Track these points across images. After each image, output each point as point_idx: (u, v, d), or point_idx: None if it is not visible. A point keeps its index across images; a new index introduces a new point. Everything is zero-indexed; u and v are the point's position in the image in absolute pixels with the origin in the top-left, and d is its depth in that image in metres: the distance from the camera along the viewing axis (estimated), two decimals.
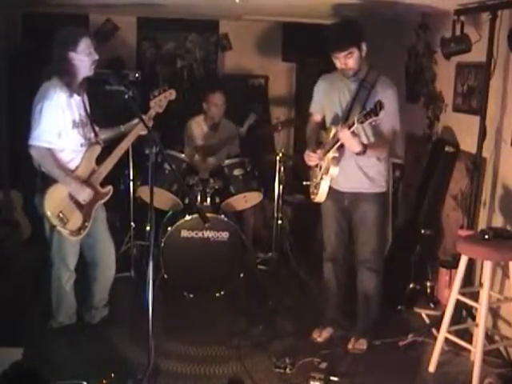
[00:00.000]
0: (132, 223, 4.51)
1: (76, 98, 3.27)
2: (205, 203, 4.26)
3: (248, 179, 4.36)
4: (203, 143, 4.78)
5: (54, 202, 3.18)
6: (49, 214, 3.16)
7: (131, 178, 4.40)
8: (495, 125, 3.54)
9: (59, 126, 3.16)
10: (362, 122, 2.96)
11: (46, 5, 4.71)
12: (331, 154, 3.28)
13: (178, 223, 4.10)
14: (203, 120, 4.78)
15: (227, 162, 4.40)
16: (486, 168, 3.63)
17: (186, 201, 4.35)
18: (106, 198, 3.44)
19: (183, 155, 4.38)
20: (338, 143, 3.19)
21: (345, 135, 3.10)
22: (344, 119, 3.28)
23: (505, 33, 3.34)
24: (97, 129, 3.45)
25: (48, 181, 3.18)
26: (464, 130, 3.92)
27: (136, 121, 3.43)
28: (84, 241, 3.43)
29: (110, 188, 3.44)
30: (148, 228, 4.38)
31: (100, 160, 3.39)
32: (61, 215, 3.19)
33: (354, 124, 3.02)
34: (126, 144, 3.43)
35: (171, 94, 3.56)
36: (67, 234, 3.25)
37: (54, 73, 3.17)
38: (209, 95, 4.68)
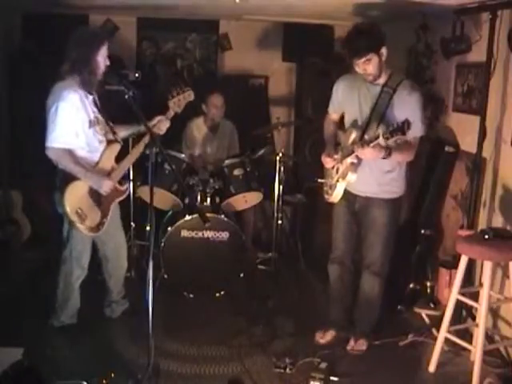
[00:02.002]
0: (132, 223, 4.52)
1: (89, 97, 3.30)
2: (205, 203, 4.26)
3: (248, 179, 4.36)
4: (203, 145, 4.77)
5: (74, 198, 3.22)
6: (68, 210, 3.20)
7: (131, 178, 4.40)
8: (495, 125, 3.55)
9: (76, 126, 3.20)
10: (387, 139, 2.89)
11: (46, 5, 4.72)
12: (349, 160, 3.23)
13: (178, 223, 4.11)
14: (203, 121, 4.78)
15: (227, 162, 4.40)
16: (485, 168, 3.63)
17: (186, 201, 4.35)
18: (124, 195, 3.52)
19: (183, 155, 4.38)
20: (357, 152, 3.13)
21: (365, 153, 3.05)
22: (364, 125, 3.23)
23: (505, 33, 3.35)
24: (114, 127, 3.48)
25: (67, 178, 3.22)
26: (464, 130, 3.92)
27: (154, 121, 3.52)
28: (98, 237, 3.47)
29: (127, 186, 3.53)
30: (148, 228, 4.38)
31: (119, 158, 3.46)
32: (79, 211, 3.23)
33: (378, 137, 2.94)
34: (143, 144, 3.46)
35: (190, 95, 3.64)
36: (85, 231, 3.28)
37: (73, 72, 3.19)
38: (208, 97, 4.67)
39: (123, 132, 3.58)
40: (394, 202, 3.39)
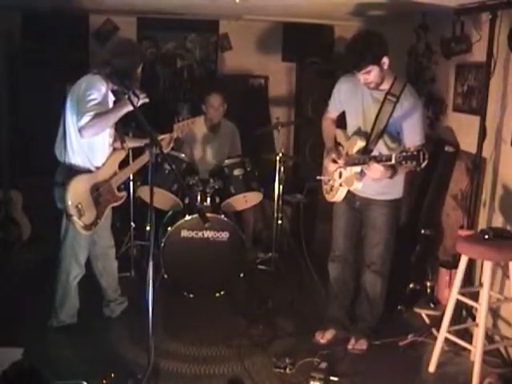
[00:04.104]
0: (132, 223, 4.52)
1: (112, 98, 3.37)
2: (205, 203, 4.26)
3: (248, 179, 4.36)
4: (203, 144, 4.78)
5: (76, 192, 3.27)
6: (69, 203, 3.23)
7: (131, 178, 4.40)
8: (495, 125, 3.55)
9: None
10: (399, 163, 2.84)
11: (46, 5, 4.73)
12: (355, 169, 3.22)
13: (177, 223, 4.10)
14: (203, 121, 4.78)
15: (227, 161, 4.40)
16: (485, 168, 3.63)
17: (186, 201, 4.35)
18: (120, 201, 3.60)
19: (183, 155, 4.38)
20: (363, 167, 3.12)
21: (375, 170, 3.02)
22: (368, 133, 3.22)
23: (505, 33, 3.35)
24: (124, 137, 3.64)
25: (70, 175, 3.27)
26: (464, 130, 3.92)
27: (161, 136, 3.72)
28: (89, 237, 3.50)
29: (124, 193, 3.62)
30: (148, 228, 4.38)
31: (122, 165, 3.59)
32: (79, 206, 3.28)
33: (390, 160, 2.89)
34: (146, 157, 3.52)
35: (193, 123, 4.00)
36: (80, 227, 3.32)
37: (109, 76, 3.25)
38: (206, 97, 4.67)
39: (130, 143, 3.71)
40: (394, 202, 3.40)
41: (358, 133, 3.30)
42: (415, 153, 2.74)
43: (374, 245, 3.42)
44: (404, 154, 2.79)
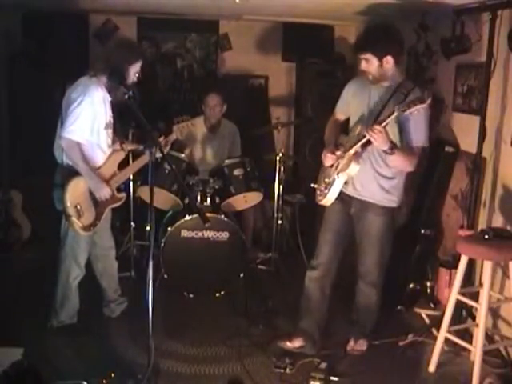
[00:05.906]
0: (132, 223, 4.52)
1: (109, 99, 3.38)
2: (205, 203, 4.26)
3: (248, 179, 4.36)
4: (203, 144, 4.77)
5: (75, 193, 3.28)
6: (68, 204, 3.24)
7: (131, 177, 4.40)
8: (495, 125, 3.55)
9: (95, 124, 3.29)
10: (403, 111, 2.83)
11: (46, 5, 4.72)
12: (353, 150, 3.14)
13: (178, 223, 4.11)
14: (203, 121, 4.78)
15: (227, 161, 4.40)
16: (485, 168, 3.64)
17: (186, 201, 4.35)
18: (119, 203, 3.60)
19: (183, 155, 4.38)
20: (364, 140, 3.04)
21: (377, 133, 2.92)
22: (372, 120, 3.14)
23: (505, 33, 3.35)
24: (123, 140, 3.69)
25: (69, 175, 3.29)
26: (464, 130, 3.93)
27: (160, 139, 3.70)
28: (89, 237, 3.51)
29: (124, 195, 3.61)
30: (148, 228, 4.38)
31: (121, 166, 3.59)
32: (78, 207, 3.28)
33: (393, 113, 2.88)
34: (146, 157, 3.54)
35: (193, 125, 4.00)
36: (79, 228, 3.32)
37: (104, 73, 3.27)
38: (204, 97, 4.67)
39: (129, 146, 3.73)
40: (391, 210, 3.32)
41: (361, 119, 3.24)
42: (419, 94, 2.85)
43: (368, 253, 3.34)
44: (407, 100, 2.87)
